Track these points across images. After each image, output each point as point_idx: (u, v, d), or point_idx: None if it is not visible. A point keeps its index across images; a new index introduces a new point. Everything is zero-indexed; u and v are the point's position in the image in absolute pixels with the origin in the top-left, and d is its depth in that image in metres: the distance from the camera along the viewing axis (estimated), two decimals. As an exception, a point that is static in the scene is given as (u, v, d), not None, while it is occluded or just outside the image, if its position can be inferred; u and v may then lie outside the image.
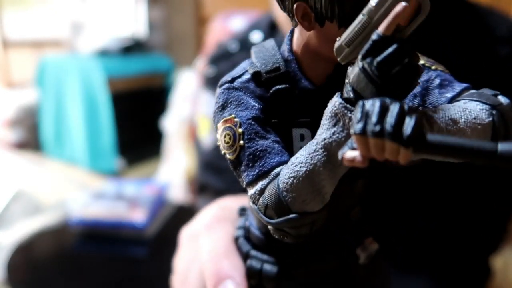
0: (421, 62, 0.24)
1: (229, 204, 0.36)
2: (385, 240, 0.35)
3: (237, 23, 1.24)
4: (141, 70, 2.56)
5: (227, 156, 0.23)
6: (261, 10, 1.14)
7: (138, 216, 1.01)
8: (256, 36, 0.67)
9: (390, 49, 0.18)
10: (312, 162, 0.20)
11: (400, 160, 0.17)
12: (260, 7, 1.44)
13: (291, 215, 0.21)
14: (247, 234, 0.28)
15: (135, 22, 2.88)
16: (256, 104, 0.23)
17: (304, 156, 0.21)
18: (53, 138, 2.52)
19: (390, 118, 0.16)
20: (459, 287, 0.61)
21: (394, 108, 0.17)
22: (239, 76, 0.24)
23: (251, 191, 0.22)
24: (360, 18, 0.19)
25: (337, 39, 0.20)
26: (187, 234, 0.37)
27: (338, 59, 0.20)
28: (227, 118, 0.23)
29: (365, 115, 0.17)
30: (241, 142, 0.22)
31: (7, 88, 2.77)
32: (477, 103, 0.21)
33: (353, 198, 0.26)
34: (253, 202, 0.22)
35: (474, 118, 0.20)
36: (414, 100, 0.23)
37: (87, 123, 2.32)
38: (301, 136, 0.23)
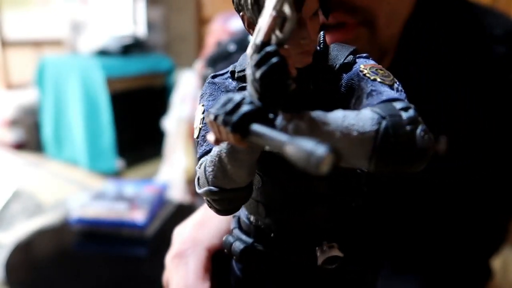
0: (364, 72, 0.25)
1: None
2: (382, 241, 0.35)
3: (237, 23, 1.24)
4: (141, 70, 2.56)
5: (194, 136, 0.28)
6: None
7: (138, 216, 1.01)
8: None
9: (260, 55, 0.20)
10: (220, 147, 0.23)
11: (235, 143, 0.19)
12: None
13: (207, 187, 0.25)
14: (238, 219, 0.33)
15: (134, 22, 2.88)
16: None
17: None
18: (53, 138, 2.52)
19: (226, 107, 0.19)
20: None
21: (235, 99, 0.19)
22: (222, 74, 0.29)
23: (197, 164, 0.27)
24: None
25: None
26: (171, 254, 0.38)
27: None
28: (200, 105, 0.28)
29: (220, 103, 0.20)
30: (200, 125, 0.27)
31: (7, 88, 2.77)
32: (372, 112, 0.22)
33: (314, 197, 0.28)
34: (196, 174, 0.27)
35: (354, 125, 0.21)
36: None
37: (87, 123, 2.32)
38: None
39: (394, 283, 0.62)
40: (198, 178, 0.26)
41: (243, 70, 0.26)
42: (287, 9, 0.20)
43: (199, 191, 0.26)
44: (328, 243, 0.29)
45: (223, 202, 0.25)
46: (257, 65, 0.19)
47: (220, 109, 0.19)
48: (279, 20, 0.20)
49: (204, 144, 0.26)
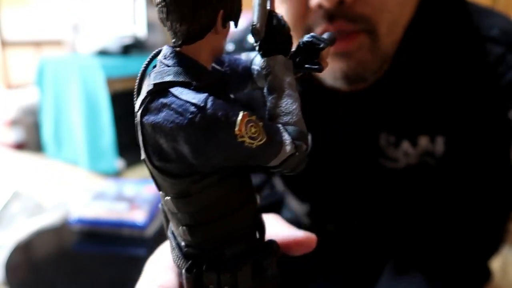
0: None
1: None
2: (381, 242, 0.35)
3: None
4: (140, 70, 2.56)
5: (260, 143, 0.25)
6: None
7: (138, 216, 1.01)
8: None
9: (281, 17, 0.29)
10: (295, 96, 0.28)
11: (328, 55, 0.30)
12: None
13: (308, 136, 0.28)
14: None
15: (134, 22, 2.88)
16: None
17: (288, 98, 0.28)
18: (53, 138, 2.52)
19: (322, 37, 0.30)
20: None
21: (315, 35, 0.30)
22: (203, 93, 0.24)
23: (286, 149, 0.26)
24: (258, 8, 0.29)
25: (254, 25, 0.29)
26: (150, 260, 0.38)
27: (259, 37, 0.29)
28: (240, 117, 0.24)
29: (317, 39, 0.29)
30: (260, 123, 0.25)
31: (7, 88, 2.77)
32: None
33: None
34: (292, 154, 0.27)
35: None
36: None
37: (87, 123, 2.32)
38: None
39: (395, 284, 0.62)
40: (297, 144, 0.27)
41: (207, 83, 0.26)
42: None
43: (303, 144, 0.27)
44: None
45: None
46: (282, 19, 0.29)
47: (322, 41, 0.29)
48: None
49: (276, 128, 0.27)
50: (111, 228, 1.01)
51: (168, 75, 0.25)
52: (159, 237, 0.99)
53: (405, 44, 0.55)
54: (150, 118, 0.25)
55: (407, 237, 0.67)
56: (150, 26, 2.90)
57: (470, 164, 0.59)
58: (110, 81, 2.30)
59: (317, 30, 0.50)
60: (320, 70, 0.29)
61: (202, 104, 0.23)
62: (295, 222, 0.76)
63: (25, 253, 1.00)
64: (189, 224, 0.28)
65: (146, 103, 0.25)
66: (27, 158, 2.47)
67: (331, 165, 0.68)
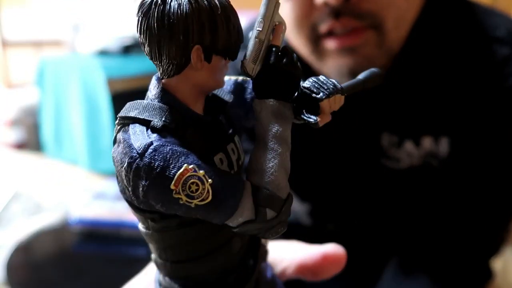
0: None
1: None
2: (383, 242, 0.35)
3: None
4: (141, 70, 2.56)
5: (201, 203, 0.22)
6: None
7: (138, 216, 1.01)
8: None
9: (287, 52, 0.26)
10: (278, 152, 0.24)
11: (339, 106, 0.26)
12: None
13: (285, 202, 0.25)
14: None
15: (134, 22, 2.87)
16: (185, 149, 0.24)
17: (268, 153, 0.24)
18: (53, 138, 2.51)
19: (328, 83, 0.26)
20: None
21: (323, 78, 0.26)
22: (149, 139, 0.24)
23: (242, 213, 0.23)
24: (254, 41, 0.25)
25: (243, 60, 0.25)
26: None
27: (250, 74, 0.25)
28: (181, 171, 0.22)
29: (317, 88, 0.25)
30: (210, 180, 0.22)
31: (7, 88, 2.77)
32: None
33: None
34: (249, 220, 0.24)
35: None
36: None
37: (87, 123, 2.32)
38: (221, 161, 0.26)
39: (397, 284, 0.62)
40: (265, 213, 0.23)
41: (174, 119, 0.24)
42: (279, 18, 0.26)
43: (275, 216, 0.24)
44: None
45: (290, 208, 0.25)
46: (291, 57, 0.26)
47: (325, 89, 0.26)
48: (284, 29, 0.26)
49: (234, 190, 0.23)
50: (111, 228, 1.01)
51: (136, 109, 0.25)
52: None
53: (410, 41, 0.55)
54: (113, 148, 0.26)
55: (408, 237, 0.67)
56: (150, 26, 2.90)
57: (474, 165, 0.59)
58: (110, 81, 2.30)
59: (323, 27, 0.50)
60: (315, 125, 0.25)
61: (140, 151, 0.23)
62: (295, 222, 0.76)
63: (25, 253, 1.00)
64: (157, 258, 0.28)
65: (116, 132, 0.27)
66: (27, 158, 2.47)
67: (332, 164, 0.67)
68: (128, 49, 2.64)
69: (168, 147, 0.23)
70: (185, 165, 0.22)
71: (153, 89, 0.26)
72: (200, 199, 0.22)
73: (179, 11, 0.23)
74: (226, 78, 0.29)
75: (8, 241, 1.22)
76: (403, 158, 0.60)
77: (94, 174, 2.24)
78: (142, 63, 2.60)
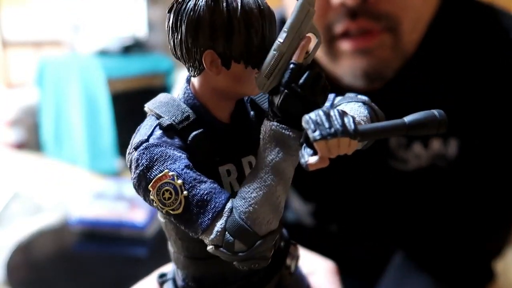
0: None
1: None
2: (386, 243, 0.35)
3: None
4: (141, 70, 2.56)
5: (172, 212, 0.22)
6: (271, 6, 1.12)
7: (138, 216, 1.01)
8: None
9: (307, 73, 0.22)
10: (267, 183, 0.22)
11: (350, 151, 0.20)
12: (269, 3, 1.43)
13: (261, 240, 0.22)
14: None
15: (135, 22, 2.88)
16: (181, 154, 0.23)
17: (256, 181, 0.22)
18: (53, 138, 2.52)
19: (336, 120, 0.20)
20: None
21: (334, 113, 0.20)
22: (151, 134, 0.24)
23: (210, 235, 0.22)
24: (272, 54, 0.22)
25: (256, 74, 0.23)
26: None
27: (261, 90, 0.23)
28: (160, 175, 0.22)
29: (316, 124, 0.19)
30: (185, 192, 0.22)
31: (7, 88, 2.77)
32: (353, 102, 0.26)
33: None
34: (216, 245, 0.22)
35: (360, 112, 0.25)
36: None
37: (87, 123, 2.32)
38: (228, 172, 0.25)
39: (399, 284, 0.62)
40: (233, 243, 0.22)
41: (185, 119, 0.24)
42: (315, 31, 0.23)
43: (244, 253, 0.22)
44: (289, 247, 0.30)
45: (272, 247, 0.23)
46: (309, 78, 0.22)
47: (326, 127, 0.19)
48: (310, 42, 0.23)
49: (208, 208, 0.22)
50: (111, 228, 1.00)
51: (159, 102, 0.26)
52: (159, 237, 0.99)
53: (425, 43, 0.54)
54: None
55: (411, 238, 0.67)
56: (150, 26, 2.90)
57: (482, 166, 0.58)
58: (110, 81, 2.30)
59: (338, 28, 0.49)
60: (305, 167, 0.20)
61: (134, 146, 0.24)
62: (297, 223, 0.76)
63: (25, 253, 1.00)
64: (172, 250, 0.28)
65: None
66: (27, 158, 2.47)
67: (338, 164, 0.67)
68: (128, 49, 2.64)
69: (160, 149, 0.23)
70: (166, 170, 0.22)
71: (184, 83, 0.26)
72: (171, 208, 0.22)
73: (191, 13, 0.23)
74: None
75: (8, 241, 1.22)
76: (411, 160, 0.59)
77: (94, 174, 2.24)
78: (142, 63, 2.60)
